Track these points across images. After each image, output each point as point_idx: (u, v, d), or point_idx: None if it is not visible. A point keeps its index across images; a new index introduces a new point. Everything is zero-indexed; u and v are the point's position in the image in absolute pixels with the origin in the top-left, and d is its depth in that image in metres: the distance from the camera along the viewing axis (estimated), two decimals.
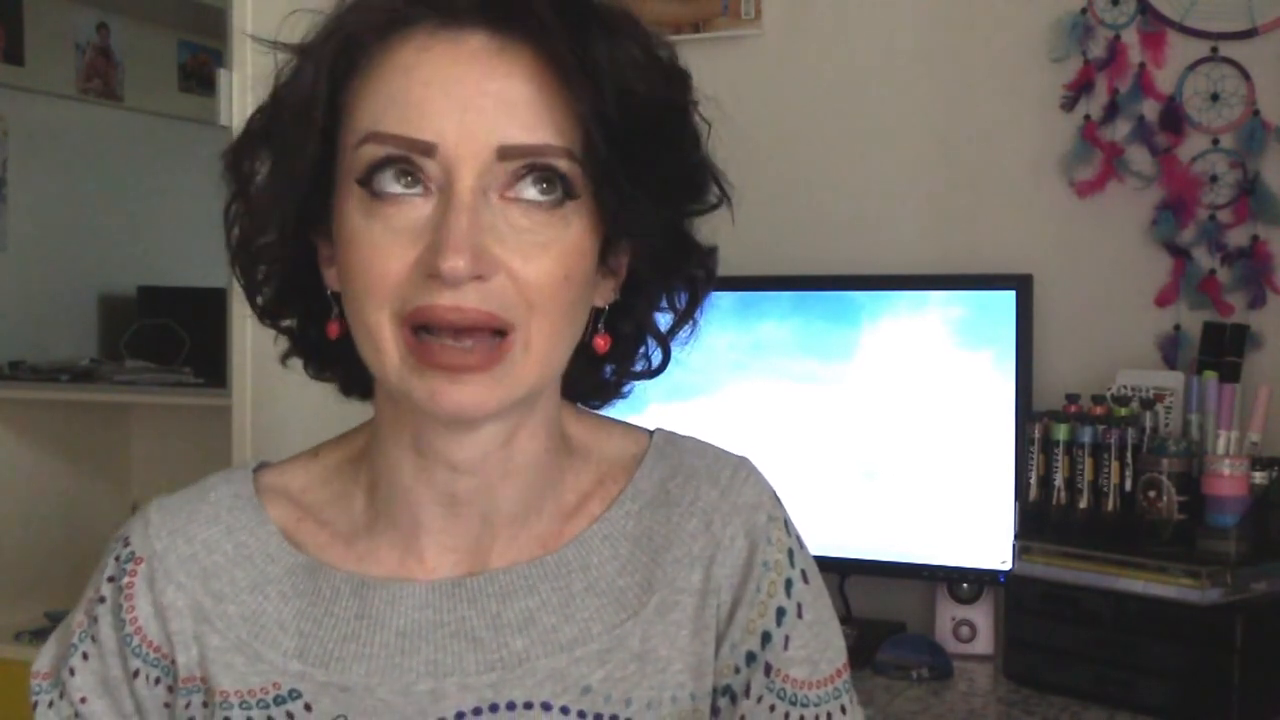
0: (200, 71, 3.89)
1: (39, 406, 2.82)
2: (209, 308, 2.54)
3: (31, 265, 3.35)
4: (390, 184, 0.77)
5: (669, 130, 0.82)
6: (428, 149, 0.76)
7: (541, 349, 0.78)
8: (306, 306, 0.88)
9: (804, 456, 1.90)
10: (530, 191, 0.77)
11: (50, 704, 0.88)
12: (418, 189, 0.77)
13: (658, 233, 0.84)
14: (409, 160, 0.76)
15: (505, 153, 0.76)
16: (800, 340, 1.91)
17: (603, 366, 0.91)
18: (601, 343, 0.86)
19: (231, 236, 0.87)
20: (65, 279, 3.45)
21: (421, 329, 0.76)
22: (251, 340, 1.92)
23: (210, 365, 2.61)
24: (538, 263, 0.77)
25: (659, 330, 0.91)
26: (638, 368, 0.92)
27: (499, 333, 0.77)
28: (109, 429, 2.97)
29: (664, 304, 0.91)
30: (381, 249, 0.76)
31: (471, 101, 0.76)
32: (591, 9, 0.79)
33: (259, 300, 0.88)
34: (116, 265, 3.57)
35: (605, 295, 0.86)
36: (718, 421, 1.93)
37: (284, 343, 0.91)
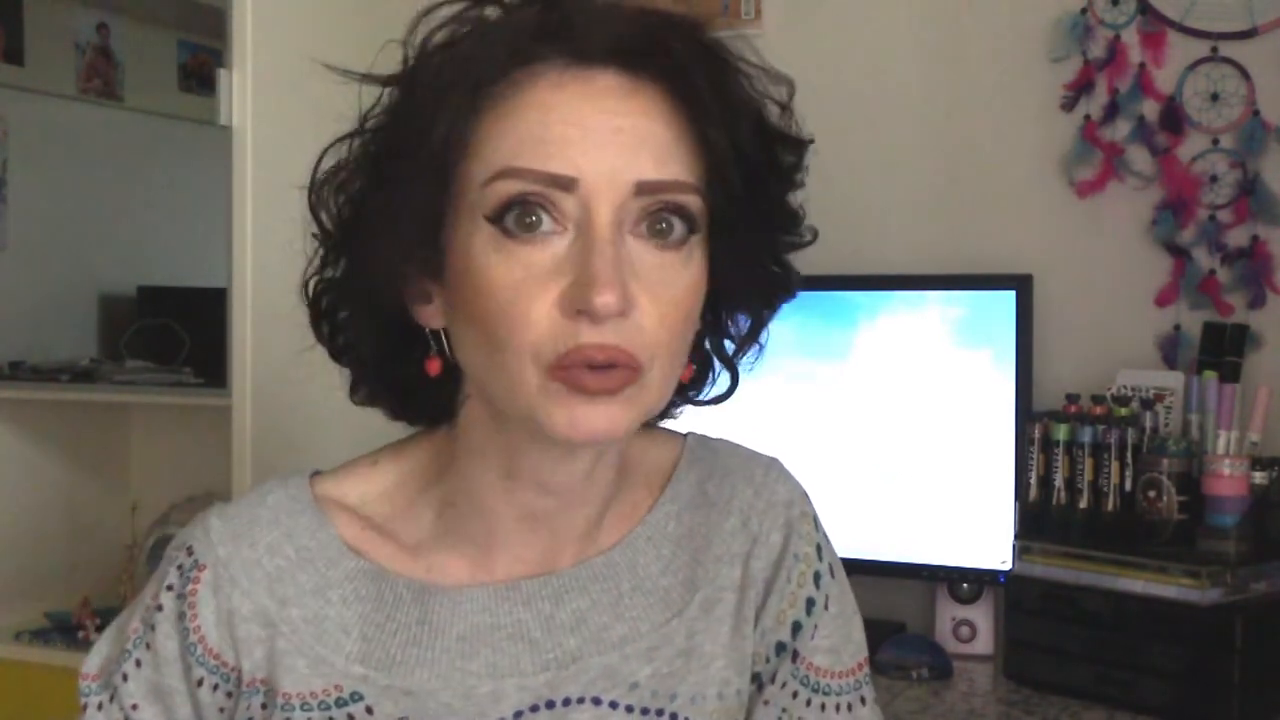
0: (200, 71, 3.88)
1: (39, 406, 2.81)
2: (209, 308, 2.53)
3: (31, 265, 3.35)
4: (521, 225, 0.76)
5: (790, 165, 0.85)
6: (568, 184, 0.76)
7: (660, 382, 0.80)
8: (384, 337, 0.87)
9: (804, 457, 1.90)
10: (658, 228, 0.78)
11: (100, 706, 0.89)
12: (549, 225, 0.77)
13: (764, 265, 0.87)
14: (545, 196, 0.76)
15: (642, 188, 0.77)
16: (799, 340, 1.91)
17: (678, 395, 0.92)
18: (685, 373, 0.87)
19: (317, 267, 0.86)
20: (65, 279, 3.44)
21: (567, 369, 0.76)
22: (251, 340, 1.91)
23: (210, 365, 2.60)
24: (667, 302, 0.78)
25: (727, 354, 0.93)
26: (704, 393, 0.94)
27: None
28: (109, 429, 2.97)
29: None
30: (521, 293, 0.76)
31: (608, 138, 0.77)
32: (721, 48, 0.81)
33: (330, 336, 0.88)
34: (116, 265, 3.57)
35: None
36: (716, 422, 1.93)
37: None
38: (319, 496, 0.90)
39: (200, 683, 0.87)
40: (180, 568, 0.88)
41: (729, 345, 0.92)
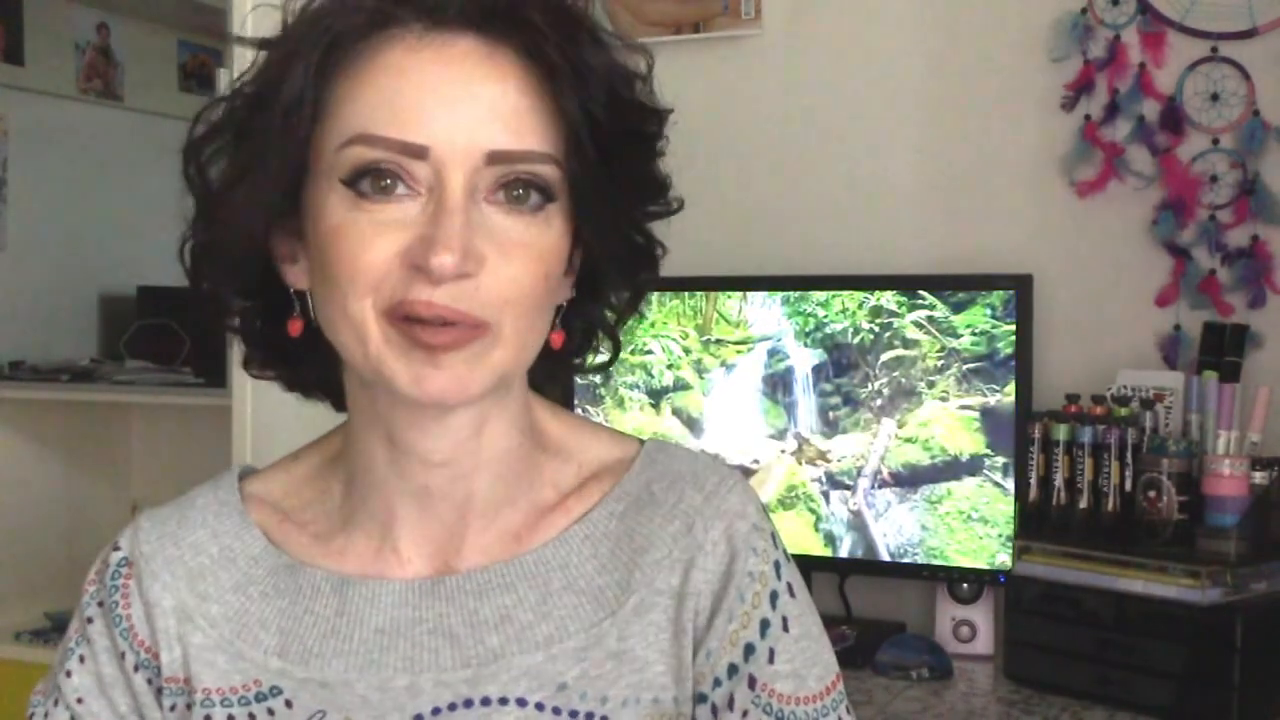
0: (200, 71, 3.89)
1: (39, 406, 2.82)
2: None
3: (31, 265, 3.35)
4: (376, 188, 0.78)
5: (650, 135, 0.85)
6: (419, 152, 0.77)
7: (514, 342, 0.80)
8: (259, 303, 0.88)
9: (804, 456, 1.90)
10: (515, 195, 0.79)
11: (45, 714, 0.89)
12: (403, 189, 0.78)
13: (627, 235, 0.86)
14: (398, 164, 0.77)
15: (494, 158, 0.78)
16: (799, 340, 1.91)
17: (557, 360, 0.92)
18: (557, 339, 0.87)
19: (189, 230, 0.86)
20: (65, 279, 3.45)
21: (402, 320, 0.77)
22: None
23: (210, 365, 2.61)
24: (520, 262, 0.79)
25: (609, 325, 0.93)
26: (590, 361, 0.95)
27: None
28: (109, 429, 2.97)
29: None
30: (367, 241, 0.77)
31: (461, 106, 0.77)
32: (578, 16, 0.81)
33: (205, 291, 0.88)
34: (116, 265, 3.57)
35: (564, 293, 0.87)
36: (717, 420, 1.93)
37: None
38: (246, 495, 0.91)
39: (136, 669, 0.87)
40: (109, 563, 0.90)
41: (609, 315, 0.93)
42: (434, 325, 0.77)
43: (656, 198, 0.88)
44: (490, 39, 0.79)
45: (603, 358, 0.95)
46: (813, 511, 1.88)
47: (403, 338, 0.77)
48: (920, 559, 1.85)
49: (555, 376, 0.95)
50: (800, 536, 1.88)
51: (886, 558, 1.86)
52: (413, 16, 0.79)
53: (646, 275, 0.91)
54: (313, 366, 0.88)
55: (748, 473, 1.90)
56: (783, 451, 1.90)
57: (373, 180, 0.77)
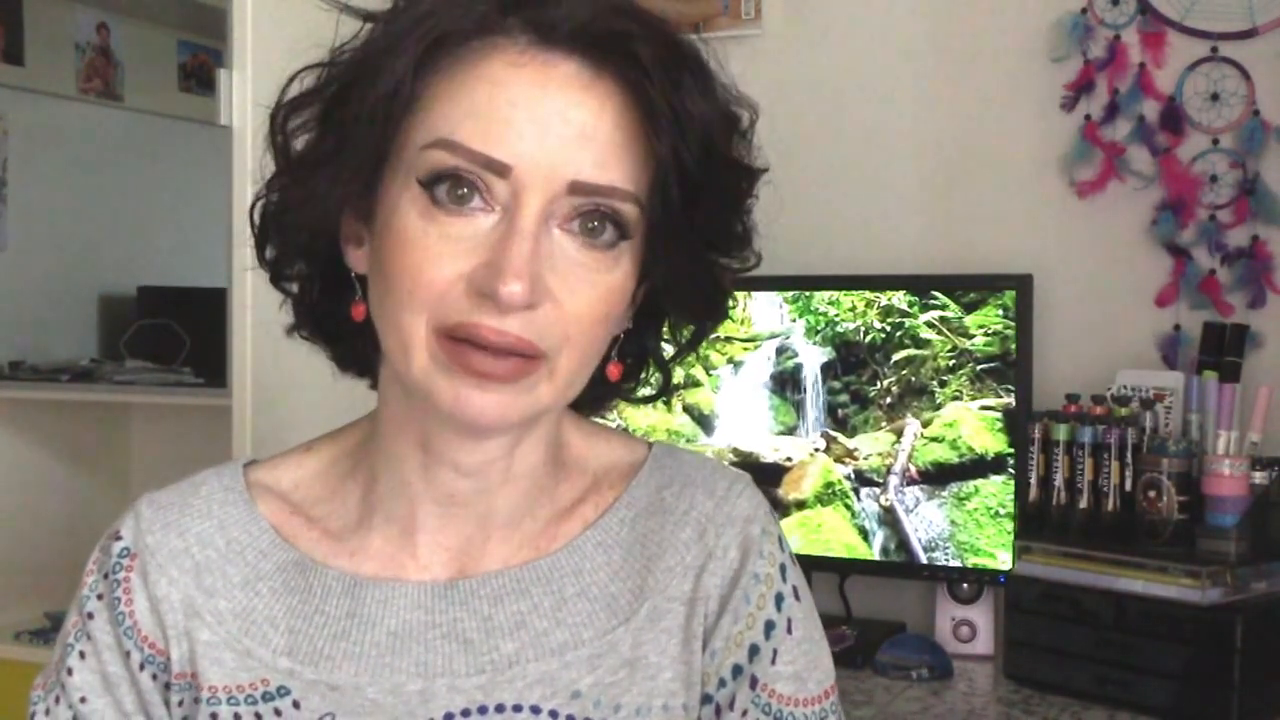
0: (200, 71, 3.89)
1: (39, 406, 2.81)
2: (209, 308, 2.54)
3: (31, 265, 3.35)
4: (452, 197, 0.76)
5: (738, 190, 0.84)
6: (502, 169, 0.76)
7: (565, 376, 0.79)
8: (319, 275, 0.87)
9: (802, 455, 1.90)
10: (589, 227, 0.78)
11: (46, 711, 0.87)
12: (478, 202, 0.76)
13: (697, 282, 0.85)
14: (478, 175, 0.76)
15: (576, 188, 0.76)
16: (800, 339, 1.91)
17: (609, 389, 0.92)
18: (615, 370, 0.87)
19: (266, 198, 0.85)
20: (65, 279, 3.45)
21: (458, 341, 0.76)
22: (251, 340, 1.91)
23: (210, 365, 2.61)
24: (583, 298, 0.78)
25: (662, 357, 0.92)
26: (638, 392, 0.94)
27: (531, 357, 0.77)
28: (109, 429, 2.97)
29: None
30: (434, 257, 0.76)
31: (553, 130, 0.76)
32: (684, 55, 0.79)
33: (269, 255, 0.87)
34: (116, 265, 3.57)
35: (622, 324, 0.86)
36: (729, 418, 1.93)
37: (288, 315, 0.90)
38: (252, 484, 0.90)
39: (142, 667, 0.86)
40: (110, 554, 0.88)
41: (665, 348, 0.92)
42: (492, 354, 0.76)
43: (735, 251, 0.86)
44: (593, 67, 0.77)
45: (646, 390, 0.94)
46: (848, 508, 1.89)
47: (452, 361, 0.76)
48: (920, 559, 1.85)
49: (602, 402, 0.94)
50: (838, 531, 1.88)
51: (920, 551, 1.86)
52: (520, 29, 0.77)
53: (711, 320, 0.90)
54: (361, 347, 0.87)
55: (781, 470, 1.90)
56: (816, 450, 1.90)
57: (450, 187, 0.76)
